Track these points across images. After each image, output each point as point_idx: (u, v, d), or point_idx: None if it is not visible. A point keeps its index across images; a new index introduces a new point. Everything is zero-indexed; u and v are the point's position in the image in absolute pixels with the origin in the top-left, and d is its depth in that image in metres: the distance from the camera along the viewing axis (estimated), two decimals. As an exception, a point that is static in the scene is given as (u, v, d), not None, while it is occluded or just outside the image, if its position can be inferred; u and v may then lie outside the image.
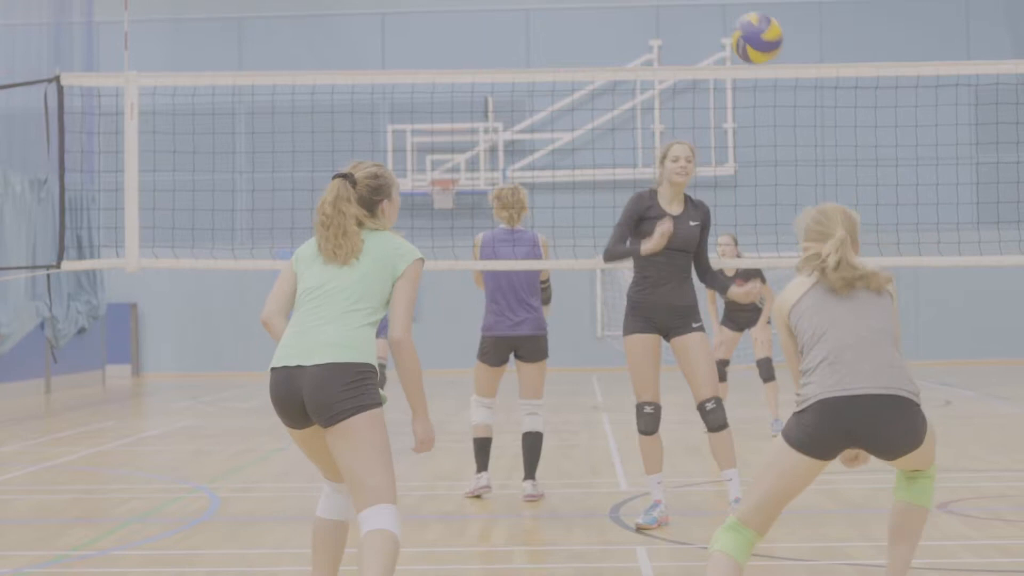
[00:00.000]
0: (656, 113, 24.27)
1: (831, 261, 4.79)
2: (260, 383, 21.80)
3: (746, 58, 7.79)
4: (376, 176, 5.02)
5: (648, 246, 7.13)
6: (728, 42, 24.57)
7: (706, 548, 6.60)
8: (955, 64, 9.95)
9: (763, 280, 11.94)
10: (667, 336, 7.31)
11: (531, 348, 8.27)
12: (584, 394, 17.92)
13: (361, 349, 4.77)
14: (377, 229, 4.99)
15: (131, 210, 9.27)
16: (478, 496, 8.36)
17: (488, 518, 7.73)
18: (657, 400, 7.28)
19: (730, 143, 23.95)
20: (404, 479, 9.74)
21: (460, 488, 8.70)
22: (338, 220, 4.91)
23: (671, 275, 7.27)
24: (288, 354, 4.78)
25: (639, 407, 7.28)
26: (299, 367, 4.74)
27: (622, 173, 21.83)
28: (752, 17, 7.71)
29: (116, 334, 23.83)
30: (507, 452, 9.94)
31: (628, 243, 7.30)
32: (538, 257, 8.42)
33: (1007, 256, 10.32)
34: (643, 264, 7.31)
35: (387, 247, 4.95)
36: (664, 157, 7.34)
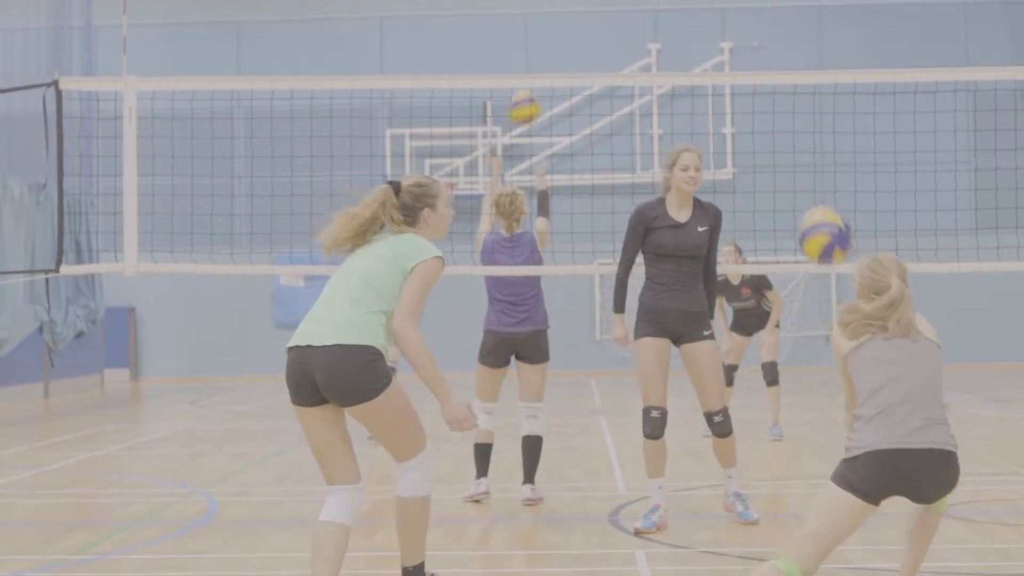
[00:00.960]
0: (654, 118, 24.29)
1: (892, 326, 5.05)
2: (258, 387, 21.79)
3: (829, 256, 7.41)
4: (420, 185, 5.38)
5: (615, 332, 7.42)
6: (726, 47, 24.60)
7: (705, 551, 6.62)
8: (953, 70, 9.95)
9: (769, 286, 11.95)
10: (677, 341, 7.34)
11: (533, 348, 8.28)
12: (583, 397, 17.92)
13: (367, 332, 5.03)
14: (405, 232, 5.30)
15: (130, 214, 9.28)
16: (476, 501, 8.36)
17: (487, 522, 7.73)
18: (664, 405, 7.30)
19: (728, 148, 23.97)
20: (403, 483, 9.74)
21: (459, 491, 8.70)
22: (358, 217, 5.28)
23: (681, 281, 7.31)
24: (301, 336, 5.09)
25: (646, 411, 7.29)
26: (310, 347, 5.03)
27: (620, 178, 21.85)
28: (843, 226, 7.43)
29: (115, 338, 23.83)
30: (506, 456, 9.94)
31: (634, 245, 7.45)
32: (538, 260, 8.44)
33: (1005, 262, 10.33)
34: (654, 270, 7.36)
35: (404, 245, 5.24)
36: (673, 164, 7.35)
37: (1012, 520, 7.42)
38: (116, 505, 8.60)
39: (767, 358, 11.82)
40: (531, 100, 9.00)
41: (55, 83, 9.42)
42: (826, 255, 7.32)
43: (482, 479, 8.40)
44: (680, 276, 7.30)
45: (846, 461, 4.89)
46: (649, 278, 7.38)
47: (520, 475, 8.47)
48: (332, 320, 5.06)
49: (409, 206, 5.34)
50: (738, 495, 7.43)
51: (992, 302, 23.77)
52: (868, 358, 5.02)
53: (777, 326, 11.98)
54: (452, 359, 21.84)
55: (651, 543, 6.89)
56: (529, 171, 23.97)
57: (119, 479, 10.07)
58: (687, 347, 7.31)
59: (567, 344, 22.32)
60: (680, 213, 7.35)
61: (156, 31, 24.31)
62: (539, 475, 8.56)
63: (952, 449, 4.91)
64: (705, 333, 7.31)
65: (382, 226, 5.36)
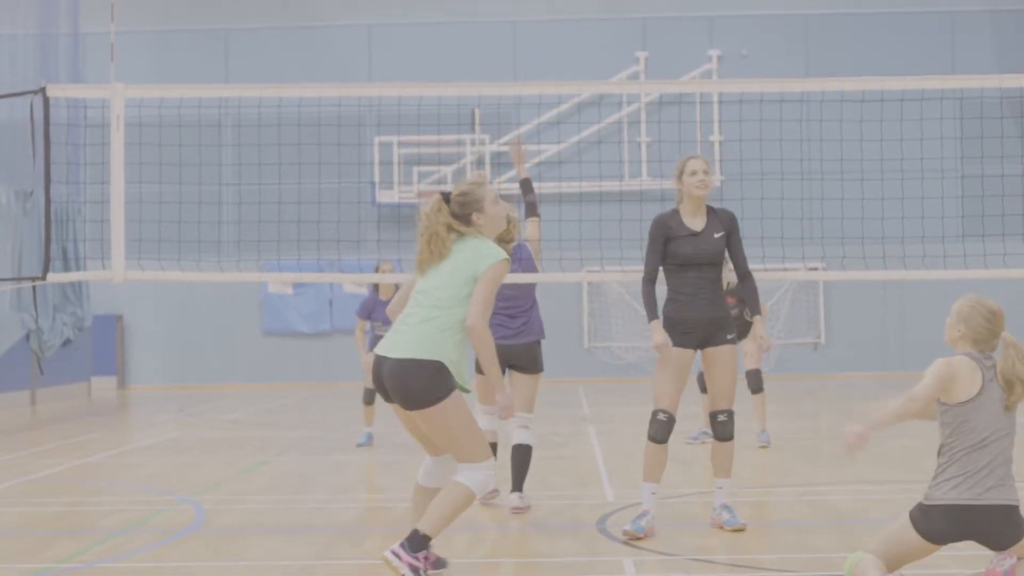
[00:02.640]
0: (642, 126, 24.31)
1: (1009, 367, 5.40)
2: (246, 395, 21.76)
3: None
4: (463, 194, 6.03)
5: (654, 339, 7.34)
6: (714, 55, 24.64)
7: (693, 559, 6.62)
8: (940, 78, 9.99)
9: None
10: (701, 346, 7.45)
11: (528, 359, 8.29)
12: (571, 405, 17.91)
13: (434, 348, 5.77)
14: (470, 235, 5.97)
15: (117, 222, 9.26)
16: (491, 500, 8.36)
17: (475, 530, 7.72)
18: (673, 411, 7.38)
19: (716, 156, 24.01)
20: (391, 490, 9.72)
21: (447, 500, 8.67)
22: (430, 229, 5.97)
23: (704, 289, 7.42)
24: (382, 345, 5.92)
25: (654, 414, 7.39)
26: (385, 357, 5.86)
27: (608, 185, 21.87)
28: None
29: (102, 346, 23.77)
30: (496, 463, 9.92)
31: (657, 256, 7.50)
32: (532, 271, 8.44)
33: (992, 269, 10.36)
34: (676, 280, 7.44)
35: (472, 252, 5.93)
36: (681, 173, 7.48)
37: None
38: (103, 513, 8.58)
39: (751, 366, 11.85)
40: None
41: (42, 90, 9.41)
42: None
43: None
44: (702, 284, 7.40)
45: (923, 507, 5.33)
46: (672, 289, 7.47)
47: (508, 483, 8.47)
48: (405, 335, 5.85)
49: (459, 214, 6.00)
50: (725, 506, 7.47)
51: (979, 309, 23.81)
52: (967, 419, 5.35)
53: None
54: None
55: (639, 550, 6.89)
56: (517, 179, 23.97)
57: (106, 487, 10.04)
58: (709, 351, 7.44)
59: (555, 352, 22.28)
60: (695, 221, 7.46)
61: (144, 38, 24.28)
62: (527, 483, 8.55)
63: (1015, 503, 5.33)
64: (728, 337, 7.44)
65: (449, 232, 6.00)
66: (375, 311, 12.04)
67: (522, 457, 8.34)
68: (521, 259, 8.45)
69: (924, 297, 23.46)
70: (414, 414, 5.82)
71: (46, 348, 19.73)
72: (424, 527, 5.82)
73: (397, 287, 12.39)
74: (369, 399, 12.41)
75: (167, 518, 8.32)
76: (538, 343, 8.37)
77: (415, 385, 5.75)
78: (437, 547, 7.09)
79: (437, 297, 5.87)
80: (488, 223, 6.04)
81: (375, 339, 12.05)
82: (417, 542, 5.79)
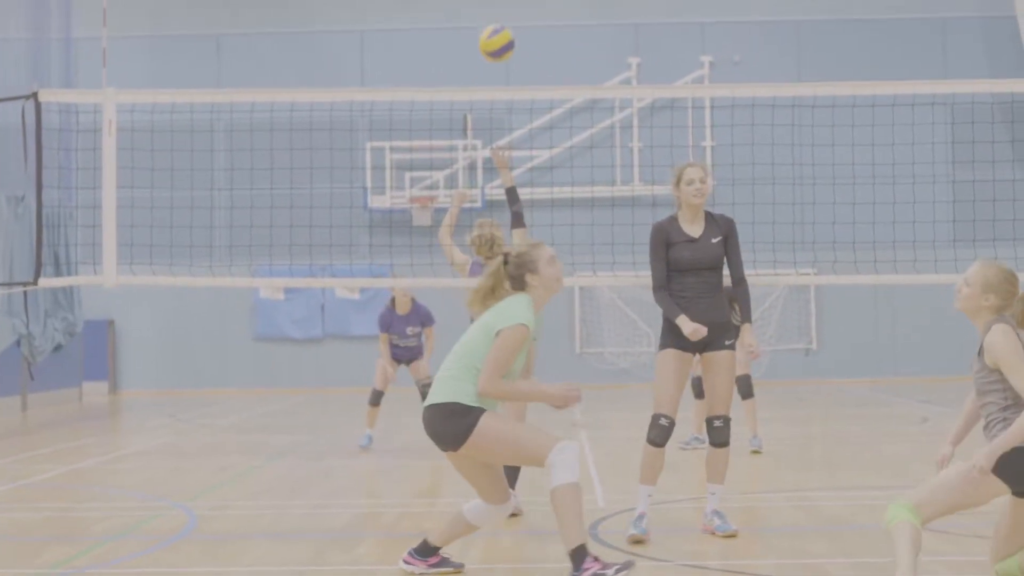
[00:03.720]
0: (635, 131, 24.34)
1: None
2: (238, 400, 21.73)
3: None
4: (519, 256, 6.30)
5: (687, 330, 7.28)
6: (706, 60, 24.68)
7: (686, 564, 6.62)
8: (931, 83, 10.02)
9: None
10: (700, 351, 7.49)
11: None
12: (563, 411, 17.91)
13: (454, 391, 6.04)
14: (517, 294, 6.24)
15: (109, 227, 9.26)
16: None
17: (467, 536, 7.70)
18: (674, 415, 7.42)
19: (708, 161, 24.03)
20: (384, 495, 9.72)
21: (437, 506, 8.68)
22: (482, 289, 6.31)
23: (704, 293, 7.46)
24: None
25: (655, 417, 7.42)
26: (424, 409, 6.19)
27: (600, 191, 21.86)
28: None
29: (93, 351, 23.74)
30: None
31: (669, 261, 7.51)
32: None
33: (983, 274, 10.36)
34: (676, 285, 7.49)
35: (499, 313, 6.14)
36: (679, 181, 7.54)
37: (987, 532, 7.42)
38: (94, 519, 8.56)
39: (739, 371, 11.84)
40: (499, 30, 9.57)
41: (34, 95, 9.40)
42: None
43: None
44: (701, 289, 7.45)
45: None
46: (673, 294, 7.50)
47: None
48: (435, 383, 6.17)
49: (514, 276, 6.26)
50: (716, 512, 7.50)
51: (970, 314, 23.85)
52: None
53: None
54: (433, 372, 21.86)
55: (632, 556, 6.88)
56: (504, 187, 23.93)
57: (98, 492, 10.03)
58: (708, 355, 7.49)
59: (547, 357, 22.30)
60: (693, 228, 7.52)
61: (136, 43, 24.26)
62: (519, 488, 8.53)
63: None
64: (726, 343, 7.47)
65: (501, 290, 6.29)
66: (392, 325, 12.80)
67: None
68: None
69: (915, 302, 23.50)
70: (461, 454, 6.07)
71: (37, 353, 19.70)
72: (569, 543, 5.99)
73: (413, 300, 12.66)
74: (375, 400, 12.65)
75: (159, 523, 8.30)
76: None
77: (439, 428, 6.05)
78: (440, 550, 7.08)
79: (462, 343, 6.17)
80: (543, 284, 6.26)
81: (392, 347, 12.88)
82: (578, 558, 5.97)
